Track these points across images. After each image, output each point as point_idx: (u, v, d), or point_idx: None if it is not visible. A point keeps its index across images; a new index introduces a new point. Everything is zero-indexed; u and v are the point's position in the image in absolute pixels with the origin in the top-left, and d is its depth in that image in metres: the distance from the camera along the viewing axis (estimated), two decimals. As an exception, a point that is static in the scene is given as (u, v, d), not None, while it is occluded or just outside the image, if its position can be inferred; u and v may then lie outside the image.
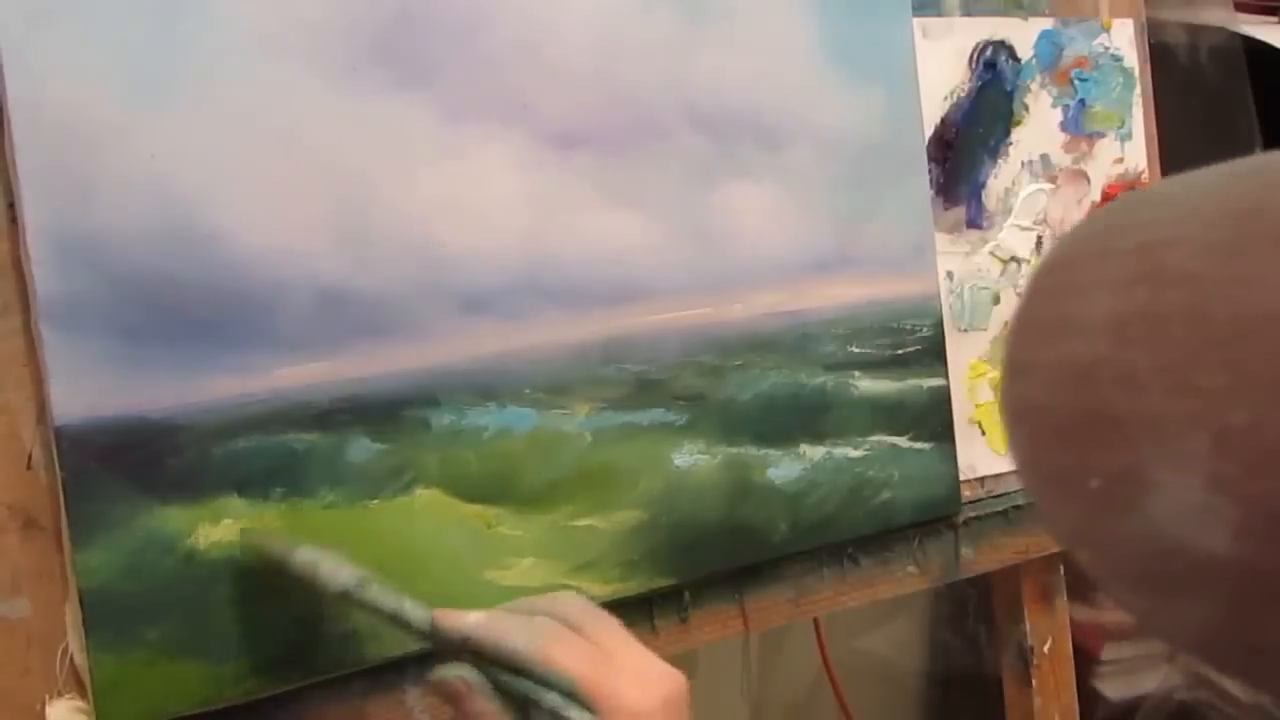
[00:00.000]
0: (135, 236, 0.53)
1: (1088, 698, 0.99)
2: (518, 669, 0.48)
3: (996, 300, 0.82)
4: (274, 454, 0.56)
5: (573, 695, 0.47)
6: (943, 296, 0.79)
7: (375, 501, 0.59)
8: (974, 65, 0.81)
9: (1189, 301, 0.31)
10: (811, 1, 0.72)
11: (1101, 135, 0.87)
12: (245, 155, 0.56)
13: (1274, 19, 1.21)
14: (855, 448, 0.73)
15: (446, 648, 0.50)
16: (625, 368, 0.66)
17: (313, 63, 0.58)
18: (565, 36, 0.64)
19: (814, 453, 0.72)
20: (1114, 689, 1.14)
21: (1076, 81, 0.86)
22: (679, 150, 0.68)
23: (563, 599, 0.52)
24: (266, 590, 0.55)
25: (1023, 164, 0.84)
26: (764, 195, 0.71)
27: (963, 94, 0.81)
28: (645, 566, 0.66)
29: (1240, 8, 1.16)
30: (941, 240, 0.79)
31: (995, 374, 0.82)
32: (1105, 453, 0.33)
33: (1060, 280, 0.37)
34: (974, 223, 0.82)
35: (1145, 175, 0.89)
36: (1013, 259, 0.83)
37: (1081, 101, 0.86)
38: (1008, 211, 0.83)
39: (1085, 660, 1.07)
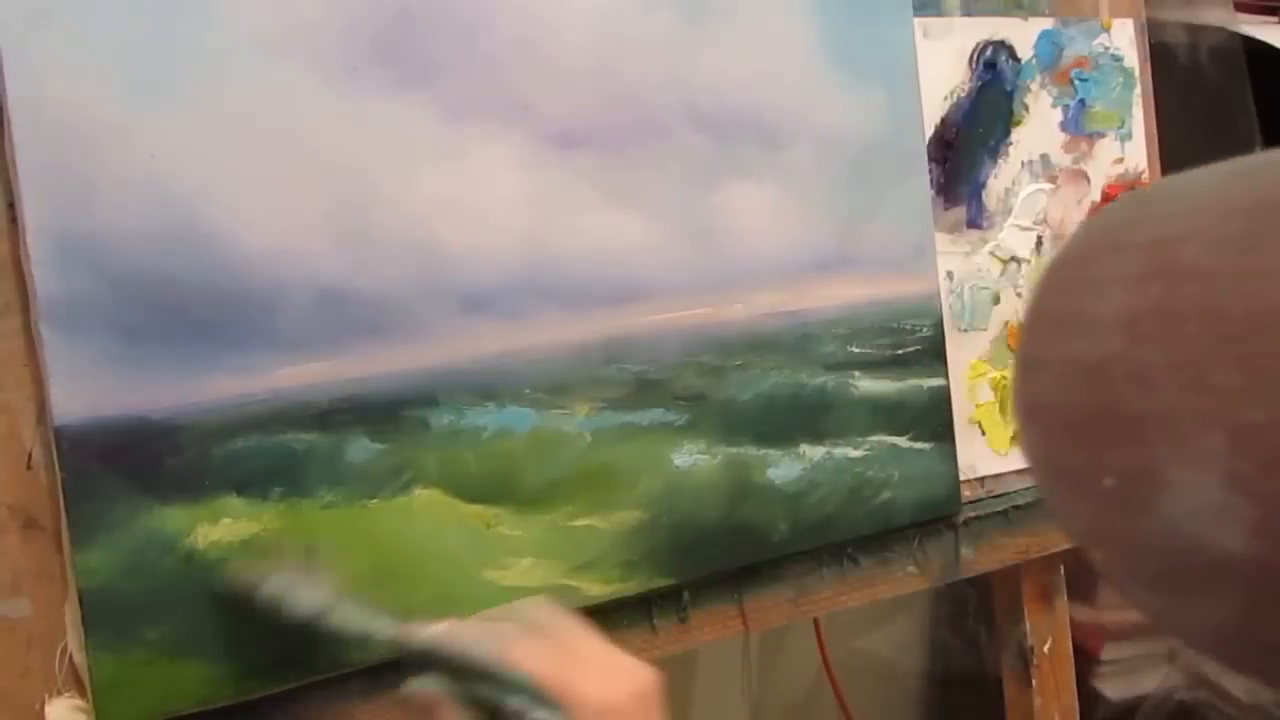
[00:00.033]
0: (135, 236, 0.53)
1: (1088, 698, 0.99)
2: (483, 675, 0.48)
3: (996, 300, 0.82)
4: (273, 454, 0.56)
5: (537, 695, 0.47)
6: (943, 296, 0.79)
7: (374, 501, 0.59)
8: (974, 65, 0.81)
9: (1203, 297, 0.31)
10: (811, 1, 0.72)
11: (1101, 135, 0.87)
12: (245, 155, 0.56)
13: (1274, 19, 1.21)
14: (855, 448, 0.73)
15: (415, 661, 0.50)
16: (625, 368, 0.66)
17: (313, 63, 0.58)
18: (565, 36, 0.64)
19: (814, 453, 0.72)
20: (1114, 689, 1.14)
21: (1076, 81, 0.86)
22: (679, 150, 0.68)
23: (526, 605, 0.52)
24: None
25: (1023, 164, 0.84)
26: (764, 195, 0.71)
27: (963, 94, 0.81)
28: (645, 566, 0.66)
29: (1240, 8, 1.16)
30: (941, 240, 0.79)
31: (995, 374, 0.82)
32: (1119, 451, 0.33)
33: (1072, 276, 0.36)
34: (974, 223, 0.81)
35: (1145, 175, 0.89)
36: (1013, 259, 0.83)
37: (1081, 101, 0.86)
38: (1008, 211, 0.83)
39: (1085, 660, 1.07)
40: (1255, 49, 1.12)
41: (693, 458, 0.68)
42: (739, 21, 0.70)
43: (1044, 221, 0.84)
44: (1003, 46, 0.83)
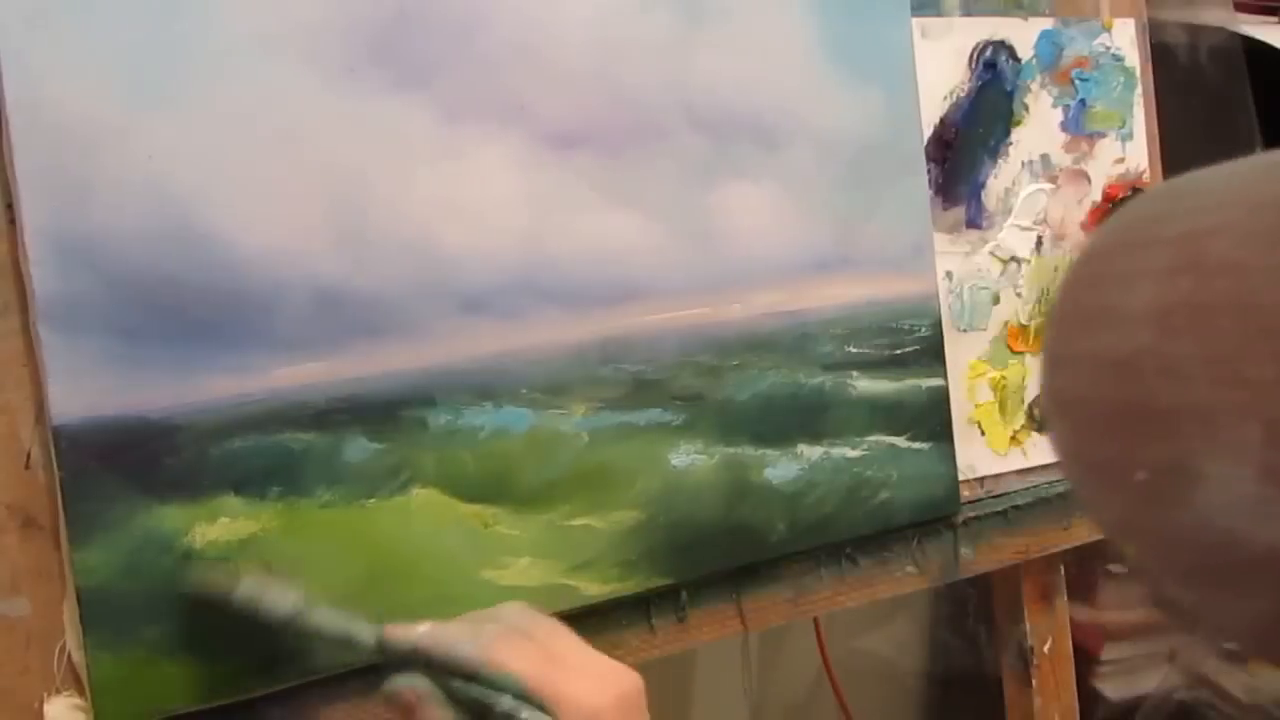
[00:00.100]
0: (133, 237, 0.54)
1: (1088, 698, 0.99)
2: (468, 675, 0.48)
3: (996, 300, 0.82)
4: (271, 454, 0.56)
5: (523, 696, 0.47)
6: (942, 296, 0.79)
7: (372, 501, 0.59)
8: (974, 65, 0.81)
9: (1235, 291, 0.31)
10: (810, 2, 0.72)
11: (1102, 135, 0.87)
12: (243, 156, 0.56)
13: (1274, 19, 1.21)
14: (853, 448, 0.73)
15: (398, 661, 0.50)
16: (623, 368, 0.66)
17: (311, 63, 0.58)
18: (563, 37, 0.65)
19: (812, 453, 0.72)
20: (1114, 689, 1.14)
21: (1077, 81, 0.85)
22: (677, 150, 0.68)
23: (510, 607, 0.52)
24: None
25: (1023, 164, 0.84)
26: (763, 195, 0.71)
27: (962, 94, 0.81)
28: (643, 566, 0.66)
29: (1240, 8, 1.16)
30: (941, 240, 0.79)
31: (995, 374, 0.82)
32: (1151, 445, 0.33)
33: (1099, 270, 0.36)
34: (974, 223, 0.81)
35: (1146, 175, 0.88)
36: (1012, 259, 0.83)
37: (1082, 101, 0.86)
38: (1008, 211, 0.83)
39: (1085, 660, 1.07)
40: (1255, 49, 1.12)
41: (690, 458, 0.68)
42: (737, 22, 0.70)
43: (1044, 221, 0.84)
44: (1003, 46, 0.83)
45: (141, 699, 0.53)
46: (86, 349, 0.52)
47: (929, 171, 0.78)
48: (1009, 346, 0.82)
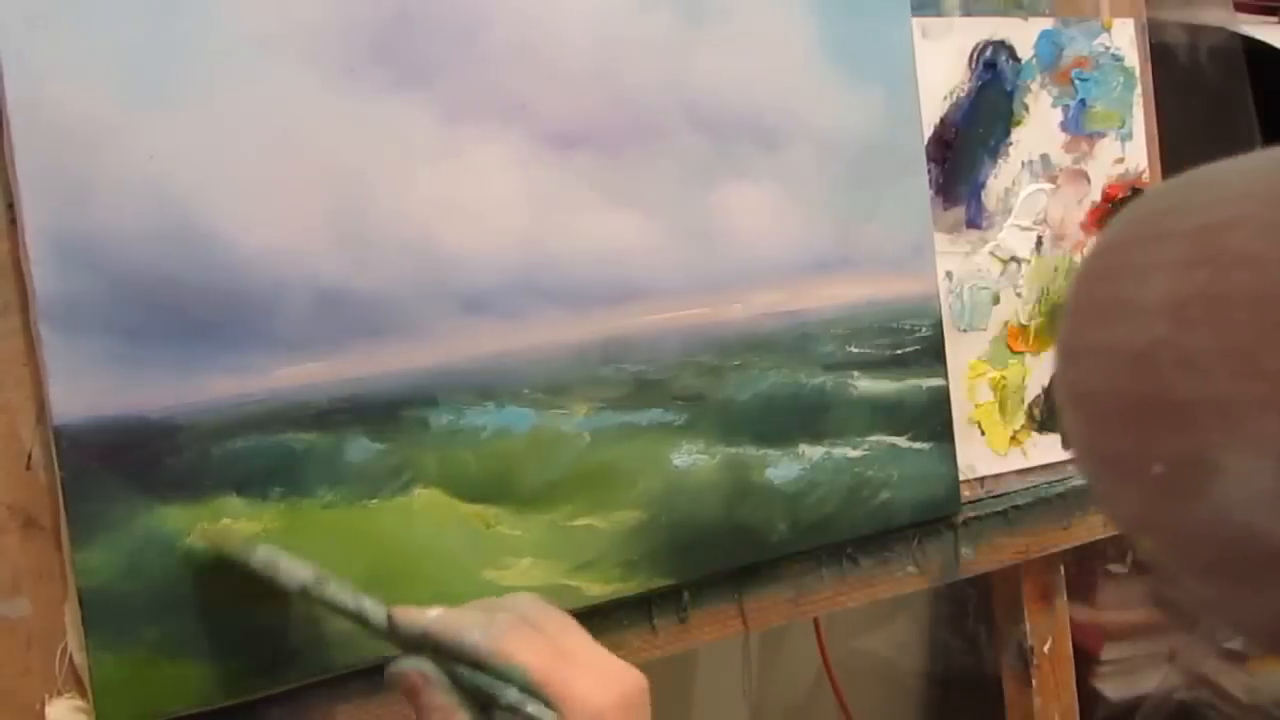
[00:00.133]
0: (134, 237, 0.53)
1: (1088, 698, 0.99)
2: (476, 663, 0.48)
3: (996, 300, 0.82)
4: (273, 454, 0.56)
5: (530, 689, 0.46)
6: (942, 296, 0.79)
7: (374, 501, 0.59)
8: (974, 65, 0.81)
9: (1253, 283, 0.31)
10: (810, 1, 0.72)
11: (1102, 135, 0.87)
12: (244, 156, 0.56)
13: (1274, 19, 1.21)
14: (854, 448, 0.73)
15: (406, 644, 0.50)
16: (624, 368, 0.66)
17: (311, 63, 0.58)
18: (564, 37, 0.64)
19: (813, 453, 0.72)
20: (1114, 689, 1.14)
21: (1077, 81, 0.86)
22: (678, 150, 0.68)
23: (522, 598, 0.52)
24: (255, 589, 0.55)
25: (1023, 164, 0.84)
26: (763, 195, 0.71)
27: (962, 94, 0.81)
28: (644, 566, 0.66)
29: (1240, 8, 1.16)
30: (941, 240, 0.79)
31: (995, 374, 0.82)
32: (1168, 437, 0.33)
33: (1114, 263, 0.36)
34: (974, 223, 0.82)
35: (1146, 175, 0.89)
36: (1012, 259, 0.83)
37: (1082, 101, 0.86)
38: (1008, 211, 0.83)
39: (1085, 660, 1.07)
40: (1255, 49, 1.12)
41: (691, 458, 0.68)
42: (737, 21, 0.70)
43: (1044, 221, 0.84)
44: (1003, 46, 0.83)
45: (143, 700, 0.53)
46: (87, 349, 0.52)
47: (929, 171, 0.78)
48: (1009, 346, 0.82)
